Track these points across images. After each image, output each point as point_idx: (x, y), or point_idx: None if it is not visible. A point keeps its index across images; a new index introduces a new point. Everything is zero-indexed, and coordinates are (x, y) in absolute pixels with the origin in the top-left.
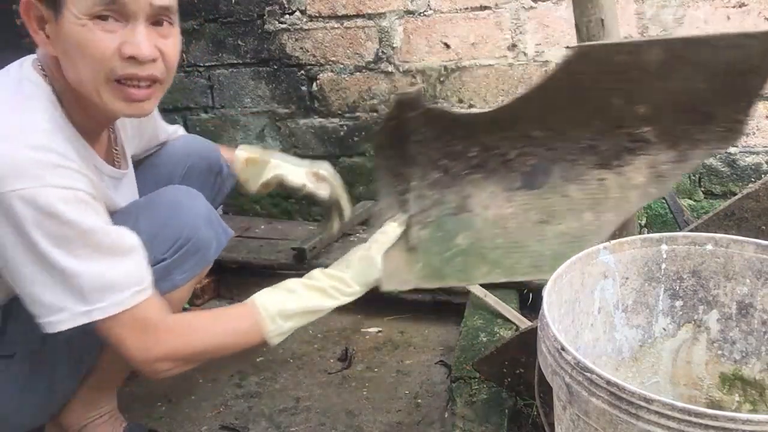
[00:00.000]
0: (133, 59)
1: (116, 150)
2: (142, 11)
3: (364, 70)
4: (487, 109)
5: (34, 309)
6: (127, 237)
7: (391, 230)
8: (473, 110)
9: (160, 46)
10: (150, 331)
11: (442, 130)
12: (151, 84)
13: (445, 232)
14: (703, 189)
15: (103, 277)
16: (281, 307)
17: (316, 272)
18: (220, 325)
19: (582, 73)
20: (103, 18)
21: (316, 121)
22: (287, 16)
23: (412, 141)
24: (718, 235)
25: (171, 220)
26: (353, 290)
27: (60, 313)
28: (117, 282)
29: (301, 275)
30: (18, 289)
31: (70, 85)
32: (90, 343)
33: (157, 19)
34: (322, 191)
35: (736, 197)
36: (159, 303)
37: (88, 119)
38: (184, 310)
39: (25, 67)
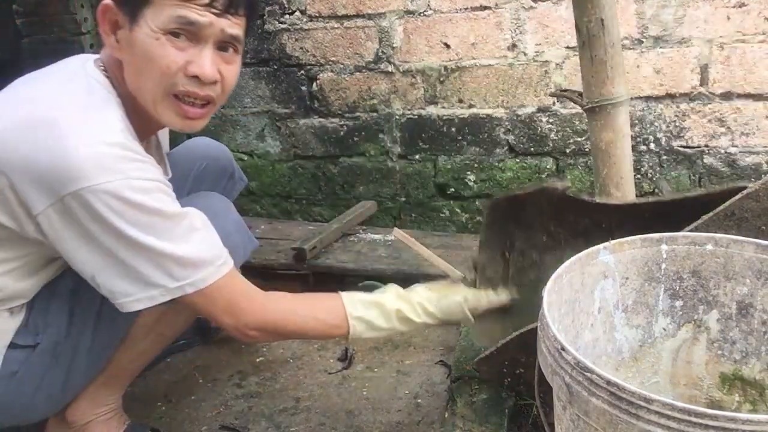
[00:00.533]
0: (196, 78)
1: (160, 156)
2: (214, 36)
3: (364, 70)
4: (618, 202)
5: (122, 288)
6: (200, 216)
7: (497, 300)
8: (603, 200)
9: (222, 70)
10: (237, 298)
11: (563, 208)
12: (206, 104)
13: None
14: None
15: (189, 257)
16: (367, 318)
17: (415, 297)
18: (307, 310)
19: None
20: (175, 35)
21: (316, 121)
22: (287, 16)
23: (529, 209)
24: (718, 235)
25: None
26: (429, 322)
27: (155, 289)
28: (202, 259)
29: (301, 275)
30: (98, 272)
31: (128, 89)
32: (112, 337)
33: (224, 45)
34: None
35: (736, 197)
36: (240, 276)
37: (141, 123)
38: None
39: (89, 67)
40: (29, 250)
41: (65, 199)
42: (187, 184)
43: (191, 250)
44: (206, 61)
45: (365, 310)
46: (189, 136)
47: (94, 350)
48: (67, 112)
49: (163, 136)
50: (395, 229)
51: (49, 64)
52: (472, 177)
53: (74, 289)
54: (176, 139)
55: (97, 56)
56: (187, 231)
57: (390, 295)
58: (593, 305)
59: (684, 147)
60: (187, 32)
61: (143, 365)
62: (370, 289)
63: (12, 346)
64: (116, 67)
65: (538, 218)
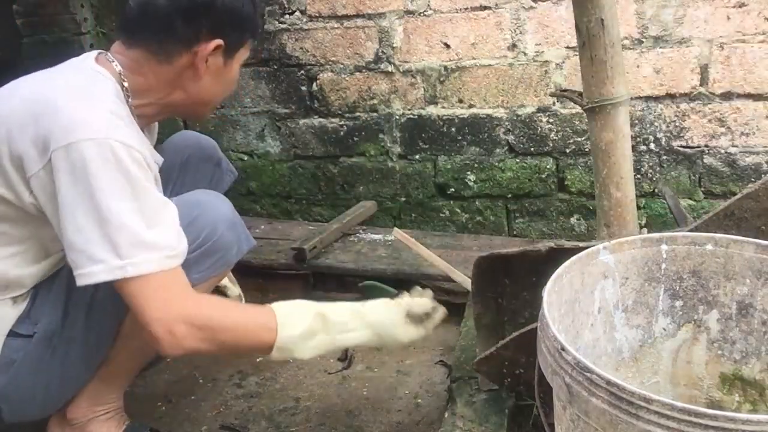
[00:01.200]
0: None
1: (152, 141)
2: None
3: (364, 70)
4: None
5: (74, 258)
6: (171, 207)
7: (424, 302)
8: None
9: None
10: (173, 294)
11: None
12: None
13: None
14: (703, 189)
15: (142, 235)
16: (296, 321)
17: (342, 307)
18: (239, 310)
19: None
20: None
21: (316, 121)
22: (287, 16)
23: (515, 259)
24: (718, 235)
25: (194, 219)
26: (361, 334)
27: (97, 265)
28: (153, 242)
29: (301, 275)
30: (64, 237)
31: (155, 86)
32: (105, 330)
33: None
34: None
35: (736, 197)
36: (185, 277)
37: (152, 111)
38: None
39: (88, 62)
40: (29, 233)
41: (54, 154)
42: (174, 172)
43: (147, 230)
44: None
45: (292, 308)
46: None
47: (88, 343)
48: (69, 88)
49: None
50: (395, 229)
51: (49, 64)
52: (472, 177)
53: (69, 281)
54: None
55: (96, 53)
56: (151, 211)
57: (322, 303)
58: (593, 305)
59: (684, 147)
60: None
61: (140, 364)
62: (370, 289)
63: (12, 334)
64: (154, 72)
65: (526, 264)
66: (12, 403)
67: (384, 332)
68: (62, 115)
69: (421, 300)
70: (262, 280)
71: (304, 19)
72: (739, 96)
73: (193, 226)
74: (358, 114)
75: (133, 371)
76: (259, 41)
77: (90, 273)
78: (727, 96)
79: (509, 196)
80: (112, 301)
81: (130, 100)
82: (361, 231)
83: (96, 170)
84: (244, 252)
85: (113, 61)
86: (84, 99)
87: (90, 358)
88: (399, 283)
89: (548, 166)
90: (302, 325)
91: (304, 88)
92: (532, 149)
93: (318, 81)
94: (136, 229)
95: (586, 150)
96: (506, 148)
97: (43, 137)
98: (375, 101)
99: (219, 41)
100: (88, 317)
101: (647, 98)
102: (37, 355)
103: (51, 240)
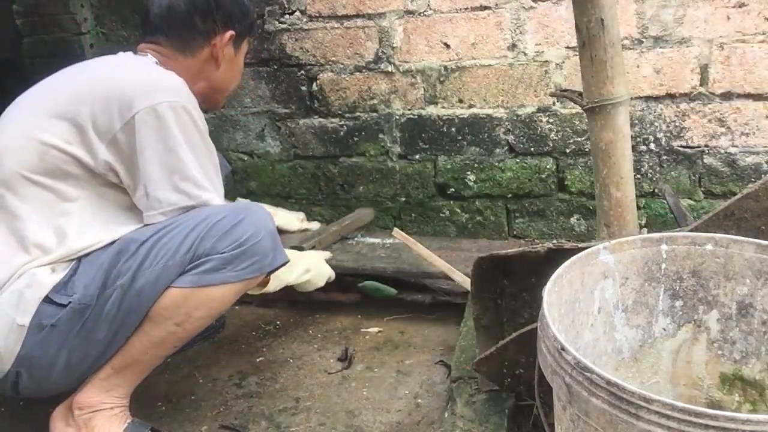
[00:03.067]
0: None
1: None
2: None
3: (364, 70)
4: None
5: (151, 199)
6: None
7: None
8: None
9: None
10: None
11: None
12: None
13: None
14: (703, 189)
15: (205, 181)
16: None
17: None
18: None
19: None
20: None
21: (316, 121)
22: (287, 16)
23: (514, 260)
24: (718, 235)
25: (241, 221)
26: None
27: (176, 194)
28: (217, 188)
29: None
30: (141, 183)
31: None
32: (135, 316)
33: None
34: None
35: (736, 197)
36: None
37: None
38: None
39: (131, 54)
40: (87, 196)
41: (138, 114)
42: None
43: (215, 177)
44: None
45: None
46: None
47: (116, 321)
48: (139, 65)
49: None
50: (395, 229)
51: (49, 64)
52: (472, 177)
53: (115, 259)
54: None
55: (129, 52)
56: (215, 163)
57: None
58: (593, 305)
59: (684, 147)
60: None
61: (155, 359)
62: (370, 289)
63: (47, 300)
64: (181, 64)
65: (525, 265)
66: (32, 369)
67: (317, 269)
68: (143, 81)
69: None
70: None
71: (304, 19)
72: (739, 96)
73: (239, 227)
74: (358, 114)
75: (147, 365)
76: (259, 41)
77: (166, 200)
78: (727, 96)
79: (509, 196)
80: (149, 288)
81: None
82: (359, 235)
83: (180, 126)
84: (276, 265)
85: (147, 55)
86: (157, 71)
87: (113, 340)
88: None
89: (548, 166)
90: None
91: (304, 88)
92: (532, 149)
93: (318, 81)
94: (200, 178)
95: (586, 150)
96: (506, 148)
97: (125, 101)
98: (375, 101)
99: (232, 32)
100: (124, 297)
101: (647, 98)
102: (66, 326)
103: (104, 208)
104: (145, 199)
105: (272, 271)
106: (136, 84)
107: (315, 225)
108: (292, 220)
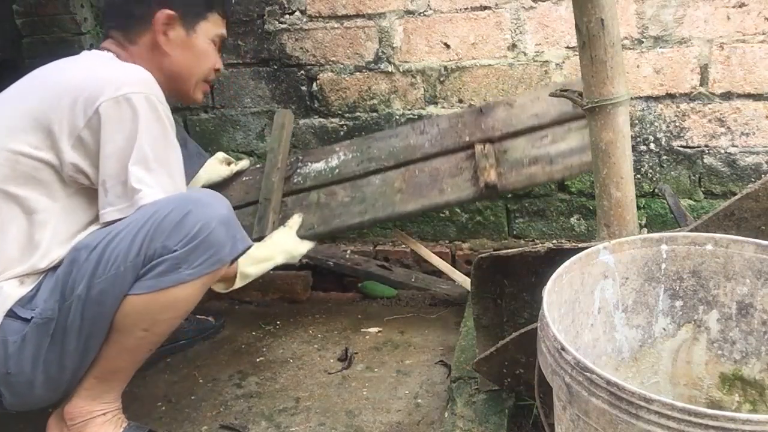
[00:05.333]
0: (217, 71)
1: None
2: (221, 44)
3: (364, 70)
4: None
5: (109, 195)
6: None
7: (293, 223)
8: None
9: None
10: None
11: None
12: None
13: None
14: (703, 189)
15: (167, 181)
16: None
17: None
18: None
19: None
20: (213, 43)
21: (316, 121)
22: (287, 16)
23: (514, 260)
24: (718, 235)
25: (188, 213)
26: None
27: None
28: (178, 185)
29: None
30: (103, 175)
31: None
32: (100, 320)
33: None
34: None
35: (736, 197)
36: None
37: None
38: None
39: (91, 52)
40: (57, 206)
41: (102, 105)
42: None
43: (176, 175)
44: (220, 60)
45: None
46: None
47: (83, 331)
48: (101, 61)
49: None
50: (395, 230)
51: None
52: None
53: (68, 269)
54: None
55: (95, 50)
56: (176, 156)
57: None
58: (593, 305)
59: (684, 147)
60: (217, 42)
61: (135, 363)
62: (370, 288)
63: (11, 315)
64: (135, 55)
65: (525, 265)
66: (12, 387)
67: (291, 251)
68: (107, 75)
69: (297, 218)
70: (261, 280)
71: (304, 19)
72: (739, 96)
73: (187, 220)
74: (358, 114)
75: (129, 370)
76: (258, 41)
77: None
78: (727, 96)
79: (509, 196)
80: (107, 296)
81: None
82: (299, 164)
83: (142, 119)
84: (239, 251)
85: (104, 51)
86: (117, 65)
87: (87, 349)
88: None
89: None
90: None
91: (304, 88)
92: None
93: (318, 81)
94: (165, 175)
95: None
96: None
97: (88, 98)
98: (375, 101)
99: (170, 11)
100: (85, 307)
101: (647, 98)
102: (35, 341)
103: (78, 216)
104: (104, 196)
105: (234, 260)
106: (97, 79)
107: (244, 162)
108: (214, 166)
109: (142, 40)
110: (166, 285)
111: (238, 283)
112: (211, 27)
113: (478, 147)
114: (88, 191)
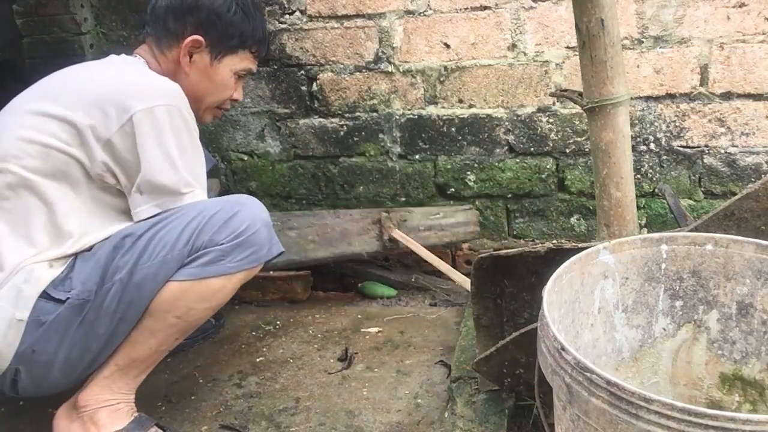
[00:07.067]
0: (235, 101)
1: None
2: (245, 77)
3: (364, 70)
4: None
5: (145, 197)
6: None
7: None
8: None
9: None
10: None
11: (548, 256)
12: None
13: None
14: (703, 189)
15: (195, 183)
16: None
17: None
18: None
19: None
20: (239, 75)
21: (316, 121)
22: (287, 16)
23: (514, 260)
24: (718, 235)
25: (236, 213)
26: None
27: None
28: (203, 185)
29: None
30: (142, 179)
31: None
32: (135, 310)
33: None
34: None
35: (736, 197)
36: None
37: None
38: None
39: (123, 57)
40: (83, 198)
41: (136, 115)
42: None
43: (200, 176)
44: (241, 92)
45: None
46: None
47: (116, 315)
48: (133, 69)
49: None
50: (395, 230)
51: (49, 64)
52: (472, 177)
53: (111, 255)
54: None
55: (124, 55)
56: (201, 164)
57: None
58: (593, 305)
59: (684, 147)
60: (243, 75)
61: (157, 353)
62: (370, 289)
63: (45, 296)
64: (162, 65)
65: (525, 265)
66: (32, 366)
67: None
68: (138, 86)
69: None
70: (262, 281)
71: (304, 19)
72: (739, 96)
73: (235, 219)
74: (358, 114)
75: (150, 361)
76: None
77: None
78: (727, 96)
79: (509, 196)
80: (149, 282)
81: None
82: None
83: (173, 128)
84: (273, 255)
85: (136, 57)
86: (151, 76)
87: (114, 335)
88: (399, 283)
89: (548, 166)
90: None
91: (304, 88)
92: (532, 149)
93: (318, 81)
94: (192, 179)
95: (586, 150)
96: (506, 148)
97: (122, 105)
98: (375, 101)
99: (198, 37)
100: (123, 292)
101: (647, 98)
102: (66, 321)
103: (101, 209)
104: (139, 195)
105: (269, 261)
106: (132, 88)
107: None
108: None
109: (170, 54)
110: (208, 275)
111: None
112: (238, 61)
113: (383, 215)
114: (110, 189)
